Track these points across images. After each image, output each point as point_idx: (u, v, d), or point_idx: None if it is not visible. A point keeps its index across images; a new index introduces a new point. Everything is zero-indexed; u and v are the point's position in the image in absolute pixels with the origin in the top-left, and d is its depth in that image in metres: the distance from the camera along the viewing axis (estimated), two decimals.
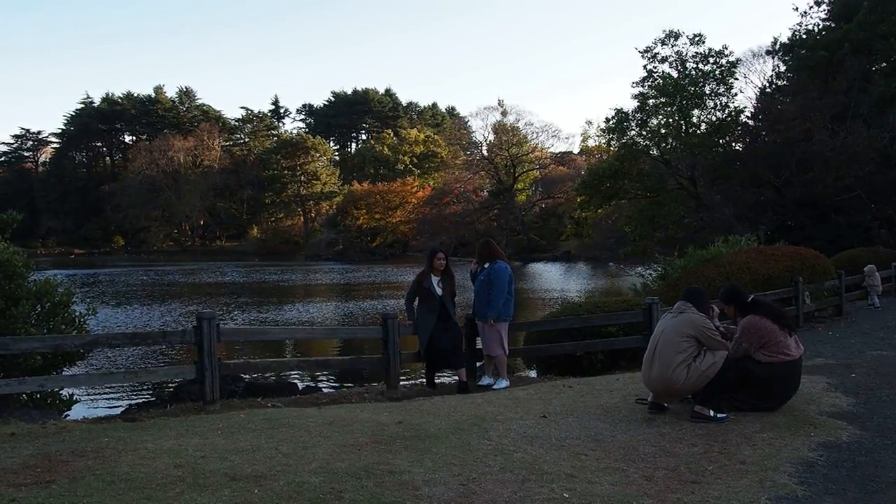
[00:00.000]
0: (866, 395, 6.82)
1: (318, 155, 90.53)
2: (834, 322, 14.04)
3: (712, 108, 34.45)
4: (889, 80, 28.99)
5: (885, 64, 31.07)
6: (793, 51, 34.53)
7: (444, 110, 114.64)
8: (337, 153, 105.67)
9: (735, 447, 5.19)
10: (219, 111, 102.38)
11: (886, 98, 28.38)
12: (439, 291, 8.60)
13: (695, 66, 34.07)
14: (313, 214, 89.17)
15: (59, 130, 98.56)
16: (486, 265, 8.84)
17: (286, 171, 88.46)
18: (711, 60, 33.90)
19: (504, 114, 72.69)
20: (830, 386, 7.25)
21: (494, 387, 8.59)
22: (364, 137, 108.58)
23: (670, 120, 34.82)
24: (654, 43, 34.59)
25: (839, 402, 6.54)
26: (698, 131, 34.34)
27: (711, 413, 5.94)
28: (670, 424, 5.87)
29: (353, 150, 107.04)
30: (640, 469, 4.69)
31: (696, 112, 34.67)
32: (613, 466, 4.74)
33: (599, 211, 44.06)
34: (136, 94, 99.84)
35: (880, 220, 27.58)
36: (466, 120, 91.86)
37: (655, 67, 34.75)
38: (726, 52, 33.93)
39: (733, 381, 6.09)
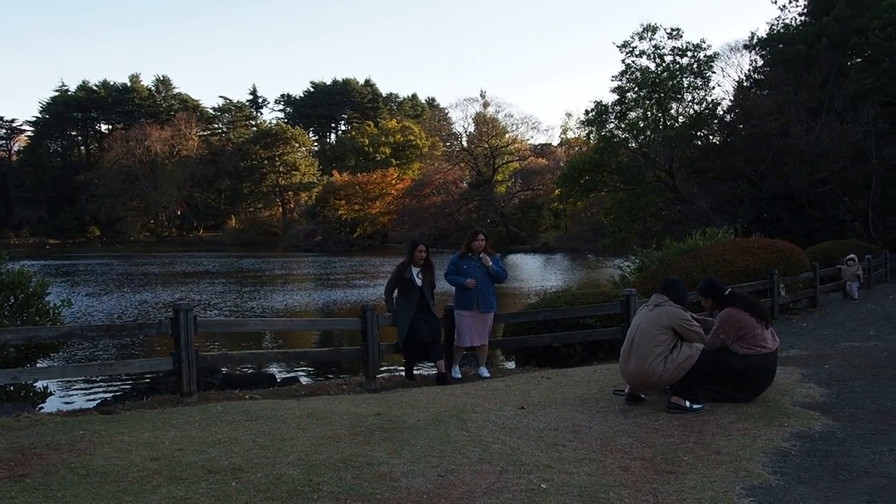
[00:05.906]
0: (839, 386, 6.92)
1: (297, 145, 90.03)
2: (808, 314, 14.24)
3: (690, 101, 34.69)
4: (863, 74, 29.34)
5: (859, 59, 31.45)
6: (770, 45, 34.82)
7: (424, 101, 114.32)
8: (316, 144, 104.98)
9: (710, 437, 5.25)
10: (196, 100, 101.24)
11: (860, 93, 28.73)
12: (419, 282, 8.60)
13: (672, 59, 34.21)
14: (292, 205, 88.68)
15: (34, 119, 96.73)
16: (484, 256, 8.89)
17: (265, 162, 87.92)
18: (689, 54, 34.05)
19: (486, 105, 72.70)
20: (804, 377, 7.36)
21: (482, 374, 8.72)
22: (344, 128, 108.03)
23: (649, 113, 34.97)
24: (632, 37, 34.64)
25: (812, 393, 6.63)
26: (676, 124, 34.54)
27: (687, 404, 6.00)
28: (647, 415, 5.93)
29: (333, 140, 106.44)
30: (617, 459, 4.73)
31: (674, 105, 34.87)
32: (590, 457, 4.77)
33: (579, 204, 44.21)
34: (112, 83, 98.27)
35: (854, 212, 28.01)
36: (446, 111, 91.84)
37: (634, 61, 34.85)
38: (704, 45, 34.15)
39: (710, 373, 6.15)
